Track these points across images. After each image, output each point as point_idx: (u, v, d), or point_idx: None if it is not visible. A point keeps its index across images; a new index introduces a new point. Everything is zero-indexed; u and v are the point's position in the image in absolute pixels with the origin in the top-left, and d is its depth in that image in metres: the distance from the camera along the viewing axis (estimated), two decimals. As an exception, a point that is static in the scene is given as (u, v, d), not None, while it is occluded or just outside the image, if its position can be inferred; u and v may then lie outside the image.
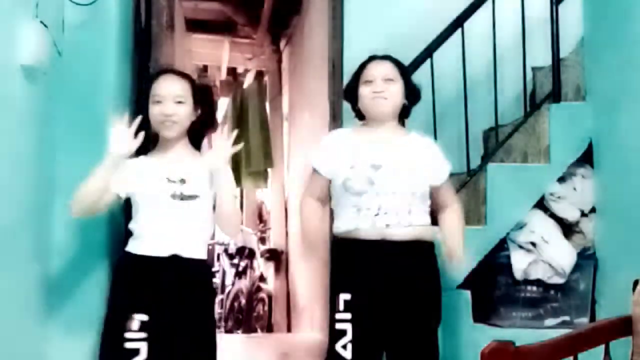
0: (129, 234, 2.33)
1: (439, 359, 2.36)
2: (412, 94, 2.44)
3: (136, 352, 2.17)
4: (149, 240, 2.26)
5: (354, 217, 2.30)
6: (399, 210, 2.29)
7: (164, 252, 2.24)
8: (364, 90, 2.37)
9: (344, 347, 2.25)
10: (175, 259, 2.24)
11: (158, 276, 2.23)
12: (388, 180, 2.29)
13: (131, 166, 2.32)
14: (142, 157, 2.37)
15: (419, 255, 2.34)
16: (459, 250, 2.39)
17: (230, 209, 2.33)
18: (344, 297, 2.27)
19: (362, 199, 2.29)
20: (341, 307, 2.27)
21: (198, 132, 2.43)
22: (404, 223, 2.29)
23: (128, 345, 2.17)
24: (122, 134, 2.22)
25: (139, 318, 2.18)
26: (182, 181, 2.28)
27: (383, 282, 2.26)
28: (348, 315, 2.26)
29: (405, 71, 2.45)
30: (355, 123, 2.55)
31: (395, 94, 2.37)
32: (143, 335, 2.18)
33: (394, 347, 2.32)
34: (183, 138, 2.38)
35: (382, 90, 2.34)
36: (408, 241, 2.29)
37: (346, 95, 2.51)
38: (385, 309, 2.27)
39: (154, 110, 2.31)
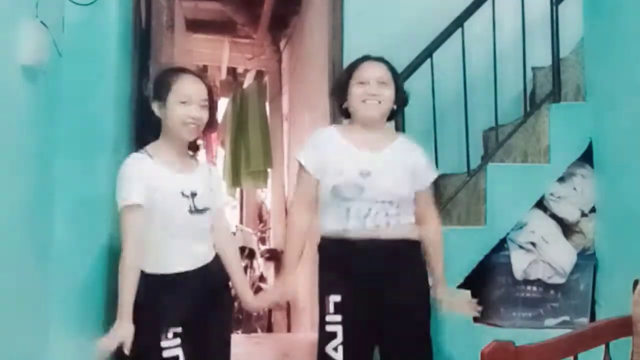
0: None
1: (440, 357, 2.36)
2: (401, 99, 2.43)
3: (176, 358, 2.18)
4: (174, 257, 2.23)
5: (343, 218, 2.29)
6: (388, 211, 2.30)
7: (192, 265, 2.25)
8: (356, 91, 2.35)
9: (335, 349, 2.24)
10: (203, 268, 2.26)
11: (190, 288, 2.22)
12: (377, 187, 2.28)
13: (145, 173, 2.22)
14: (149, 161, 2.25)
15: (407, 253, 2.34)
16: (451, 296, 2.46)
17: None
18: (334, 299, 2.26)
19: (351, 204, 2.28)
20: (331, 309, 2.26)
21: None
22: (393, 222, 2.30)
23: (165, 354, 2.17)
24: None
25: (173, 330, 2.19)
26: (194, 195, 2.25)
27: (372, 282, 2.26)
28: (338, 318, 2.25)
29: (397, 75, 2.45)
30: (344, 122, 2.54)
31: (387, 98, 2.36)
32: (177, 341, 2.19)
33: (388, 344, 2.32)
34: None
35: (376, 94, 2.33)
36: (396, 240, 2.30)
37: (334, 92, 2.49)
38: (376, 307, 2.27)
39: (179, 111, 2.22)
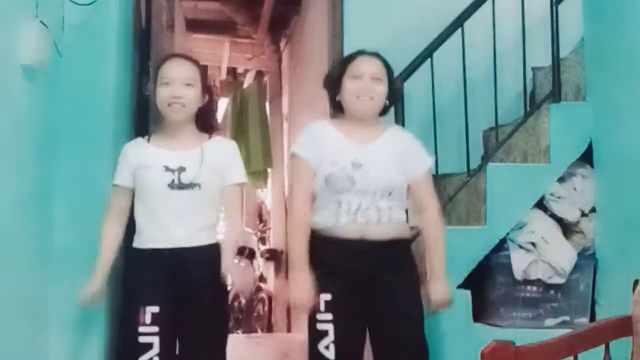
0: (130, 227, 2.35)
1: (440, 357, 2.36)
2: (393, 95, 2.43)
3: (149, 346, 2.18)
4: (151, 233, 2.27)
5: (335, 212, 2.28)
6: (379, 205, 2.28)
7: (167, 244, 2.24)
8: (350, 85, 2.34)
9: (327, 347, 2.23)
10: (181, 251, 2.24)
11: (164, 267, 2.23)
12: (368, 179, 2.27)
13: (133, 156, 2.32)
14: (144, 144, 2.36)
15: (397, 253, 2.33)
16: (445, 295, 2.36)
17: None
18: (325, 297, 2.24)
19: (343, 196, 2.27)
20: (322, 307, 2.24)
21: (205, 119, 2.40)
22: (384, 219, 2.29)
23: (142, 339, 2.19)
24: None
25: (150, 310, 2.19)
26: (181, 169, 2.26)
27: (362, 280, 2.26)
28: (329, 316, 2.24)
29: (391, 71, 2.44)
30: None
31: (381, 94, 2.35)
32: (155, 329, 2.19)
33: (379, 342, 2.31)
34: (190, 123, 2.36)
35: (370, 90, 2.33)
36: (386, 239, 2.29)
37: (327, 84, 2.48)
38: (366, 306, 2.27)
39: (162, 93, 2.29)
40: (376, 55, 2.40)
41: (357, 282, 2.25)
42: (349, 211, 2.27)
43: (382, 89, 2.35)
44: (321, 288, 2.25)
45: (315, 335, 2.27)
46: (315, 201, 2.34)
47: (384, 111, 2.44)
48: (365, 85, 2.32)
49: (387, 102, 2.40)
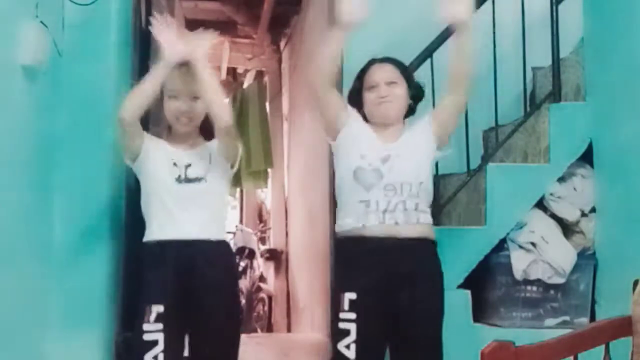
0: (130, 227, 2.34)
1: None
2: (416, 93, 2.44)
3: (154, 343, 2.17)
4: (158, 225, 2.26)
5: (363, 213, 2.28)
6: (407, 205, 2.28)
7: (174, 235, 2.23)
8: (369, 96, 2.37)
9: (347, 347, 2.24)
10: (187, 242, 2.23)
11: (171, 261, 2.22)
12: (396, 172, 2.28)
13: (146, 140, 2.30)
14: (156, 138, 2.35)
15: (424, 253, 2.34)
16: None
17: (211, 97, 2.26)
18: (349, 296, 2.25)
19: (370, 193, 2.28)
20: (346, 306, 2.25)
21: (209, 127, 2.38)
22: (412, 220, 2.29)
23: (146, 337, 2.17)
24: (172, 37, 2.23)
25: (155, 310, 2.18)
26: (188, 165, 2.27)
27: (388, 281, 2.26)
28: (352, 315, 2.24)
29: (407, 71, 2.45)
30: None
31: (400, 96, 2.37)
32: (160, 326, 2.18)
33: (399, 344, 2.32)
34: (196, 129, 2.36)
35: (387, 95, 2.34)
36: (414, 238, 2.29)
37: (350, 101, 2.50)
38: (390, 307, 2.27)
39: (170, 105, 2.28)
40: (387, 59, 2.42)
41: (382, 281, 2.25)
42: (377, 211, 2.27)
43: (400, 91, 2.37)
44: (346, 286, 2.26)
45: (337, 334, 2.27)
46: (341, 203, 2.36)
47: (410, 112, 2.45)
48: (382, 93, 2.35)
49: (411, 102, 2.42)
